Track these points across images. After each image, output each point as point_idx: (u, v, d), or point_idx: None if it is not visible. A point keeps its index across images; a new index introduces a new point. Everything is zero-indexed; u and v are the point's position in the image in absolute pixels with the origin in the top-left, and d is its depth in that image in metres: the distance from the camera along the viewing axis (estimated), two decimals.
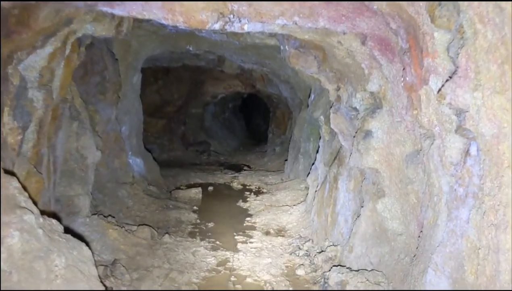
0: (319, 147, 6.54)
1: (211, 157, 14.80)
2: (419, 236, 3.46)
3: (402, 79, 3.36)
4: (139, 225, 5.66)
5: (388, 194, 4.00)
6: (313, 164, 6.94)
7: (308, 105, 6.97)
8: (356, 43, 3.81)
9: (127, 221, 6.02)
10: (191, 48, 8.30)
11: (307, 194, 7.14)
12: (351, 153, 4.52)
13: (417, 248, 3.45)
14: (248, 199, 8.16)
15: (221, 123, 19.57)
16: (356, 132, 4.34)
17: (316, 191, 5.99)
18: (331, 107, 5.02)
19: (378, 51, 3.61)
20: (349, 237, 4.53)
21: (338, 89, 4.73)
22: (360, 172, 4.53)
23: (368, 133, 4.09)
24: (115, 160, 6.91)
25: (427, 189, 3.33)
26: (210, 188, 8.98)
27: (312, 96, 6.79)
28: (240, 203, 7.84)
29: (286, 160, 10.57)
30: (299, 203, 7.35)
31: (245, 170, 12.07)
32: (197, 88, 15.60)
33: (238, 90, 16.51)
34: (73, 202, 5.07)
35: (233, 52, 8.73)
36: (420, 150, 3.44)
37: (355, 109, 4.38)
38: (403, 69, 3.23)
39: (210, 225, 6.42)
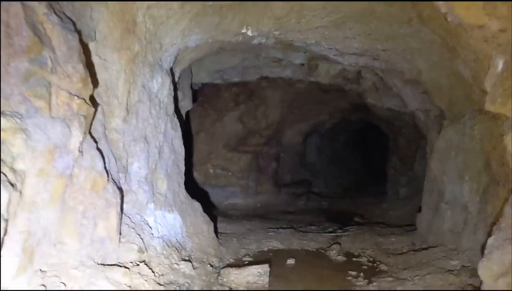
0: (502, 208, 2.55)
1: (311, 201, 11.22)
2: None
3: None
4: None
5: None
6: (488, 238, 2.99)
7: (457, 117, 2.87)
8: None
9: None
10: (249, 32, 5.07)
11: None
12: None
13: None
14: (353, 289, 4.43)
15: (328, 159, 15.93)
16: None
17: None
18: None
19: None
20: None
21: None
22: None
23: None
24: (99, 223, 3.81)
25: None
26: (290, 262, 5.39)
27: (500, 64, 2.76)
28: None
29: (420, 211, 6.54)
30: None
31: (354, 222, 8.28)
32: (293, 114, 12.27)
33: (345, 115, 12.91)
34: None
35: (321, 36, 5.26)
36: None
37: None
38: None
39: None
